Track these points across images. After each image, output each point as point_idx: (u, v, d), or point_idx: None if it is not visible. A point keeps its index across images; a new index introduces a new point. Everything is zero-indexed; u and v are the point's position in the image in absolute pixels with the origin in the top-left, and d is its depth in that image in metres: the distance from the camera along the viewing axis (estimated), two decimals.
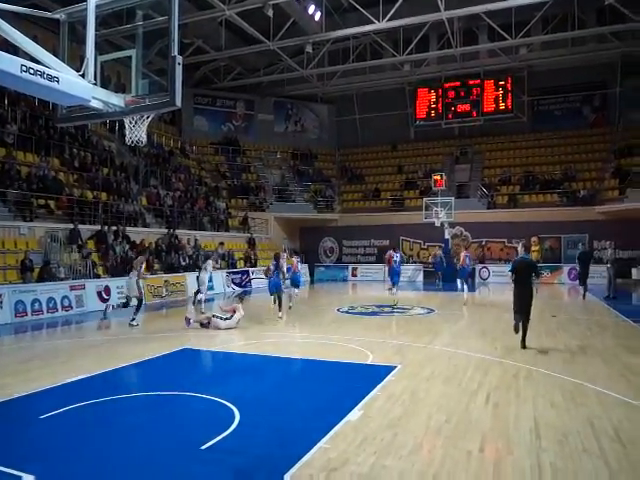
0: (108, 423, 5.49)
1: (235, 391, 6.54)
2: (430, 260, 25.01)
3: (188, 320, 11.62)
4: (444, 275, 23.72)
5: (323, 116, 35.55)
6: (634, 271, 21.92)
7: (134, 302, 12.10)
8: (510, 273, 9.36)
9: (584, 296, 17.48)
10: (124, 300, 12.51)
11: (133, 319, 11.93)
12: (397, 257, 16.84)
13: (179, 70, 5.28)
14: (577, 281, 19.91)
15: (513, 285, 9.34)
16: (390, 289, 17.67)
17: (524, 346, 9.14)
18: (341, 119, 35.06)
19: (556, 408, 5.90)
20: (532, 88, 31.01)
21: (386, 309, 14.92)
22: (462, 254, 17.96)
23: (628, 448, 4.83)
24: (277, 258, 13.10)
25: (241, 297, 16.62)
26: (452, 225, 25.28)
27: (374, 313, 14.18)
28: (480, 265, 25.59)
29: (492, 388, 6.67)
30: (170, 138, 29.59)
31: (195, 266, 20.40)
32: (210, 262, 14.75)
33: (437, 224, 23.99)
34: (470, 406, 5.97)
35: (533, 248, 22.53)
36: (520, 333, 9.35)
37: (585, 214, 24.81)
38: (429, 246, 26.90)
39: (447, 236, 24.79)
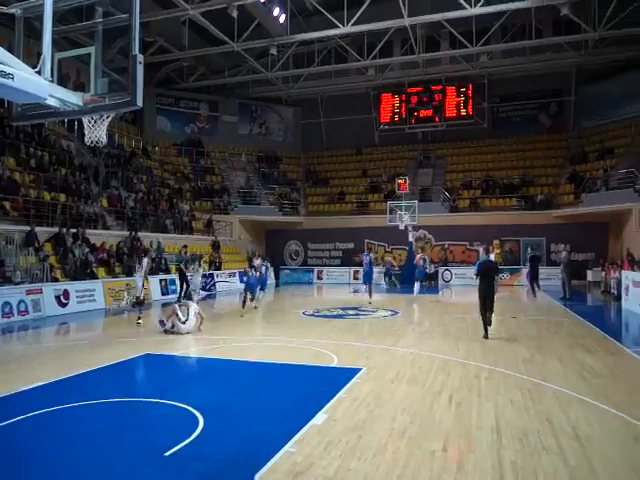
0: (67, 431, 5.30)
1: (198, 396, 6.43)
2: (382, 267, 24.91)
3: (162, 322, 11.49)
4: (406, 277, 24.01)
5: (288, 119, 35.53)
6: (589, 273, 22.69)
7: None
8: (475, 274, 10.74)
9: (534, 294, 18.50)
10: (134, 300, 13.60)
11: (139, 318, 12.83)
12: (367, 259, 17.90)
13: (140, 69, 5.15)
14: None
15: (478, 283, 10.70)
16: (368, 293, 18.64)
17: (487, 336, 10.43)
18: (306, 122, 35.12)
19: (516, 407, 6.03)
20: (492, 95, 31.84)
21: (351, 312, 14.98)
22: (418, 256, 19.98)
23: (585, 445, 4.97)
24: (250, 260, 13.69)
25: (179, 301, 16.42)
26: (416, 228, 25.65)
27: (339, 316, 14.20)
28: (443, 267, 26.05)
29: (455, 389, 6.77)
30: (132, 138, 28.99)
31: (159, 269, 20.05)
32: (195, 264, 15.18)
33: (401, 227, 24.29)
34: (434, 407, 6.04)
35: (496, 251, 23.13)
36: (483, 329, 10.58)
37: (542, 218, 25.60)
38: (393, 249, 27.23)
39: (411, 239, 25.12)
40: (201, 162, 31.86)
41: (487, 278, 10.54)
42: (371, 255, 18.63)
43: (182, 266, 17.10)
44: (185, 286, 17.14)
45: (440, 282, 25.34)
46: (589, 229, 24.20)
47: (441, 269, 25.89)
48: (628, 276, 15.55)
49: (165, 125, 32.17)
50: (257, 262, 16.84)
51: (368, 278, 17.90)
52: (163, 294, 19.08)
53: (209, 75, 30.98)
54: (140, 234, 20.83)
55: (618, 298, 16.61)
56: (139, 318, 12.79)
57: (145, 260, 13.27)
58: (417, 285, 19.08)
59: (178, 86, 31.56)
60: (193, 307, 11.55)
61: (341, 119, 33.61)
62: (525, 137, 31.03)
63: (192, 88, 31.76)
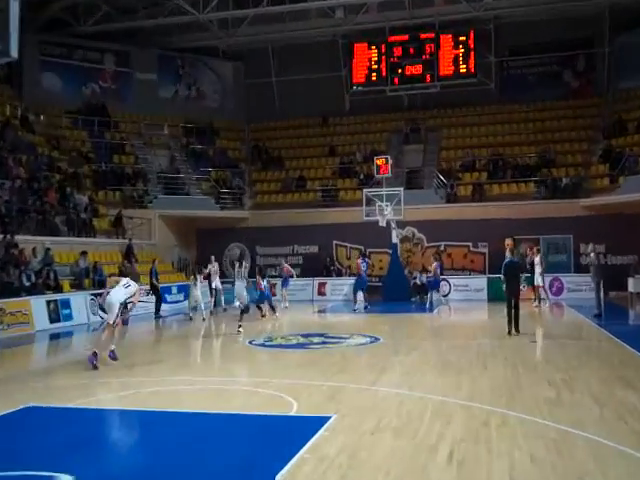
0: None
1: (102, 467, 6.28)
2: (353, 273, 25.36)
3: (95, 355, 11.42)
4: (389, 291, 24.22)
5: (227, 77, 35.36)
6: (630, 281, 22.78)
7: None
8: (503, 274, 14.60)
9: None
10: (242, 307, 16.64)
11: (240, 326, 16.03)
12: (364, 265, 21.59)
13: (15, 7, 5.04)
14: (537, 296, 21.47)
15: (505, 286, 14.68)
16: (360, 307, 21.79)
17: (517, 331, 14.42)
18: (252, 82, 35.04)
19: (538, 464, 6.09)
20: (501, 46, 32.47)
21: (316, 339, 14.98)
22: (434, 264, 22.46)
23: None
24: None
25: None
26: (401, 225, 25.86)
27: (300, 345, 14.18)
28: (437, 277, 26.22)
29: (456, 441, 6.80)
30: (5, 103, 28.28)
31: (46, 286, 19.58)
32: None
33: (382, 224, 24.44)
34: (428, 466, 6.05)
35: (507, 254, 23.42)
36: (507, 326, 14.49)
37: (568, 209, 26.08)
38: (371, 253, 27.37)
39: (395, 239, 25.34)
40: (106, 136, 31.36)
41: (514, 278, 14.71)
42: (368, 261, 22.23)
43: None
44: (159, 302, 21.19)
45: (435, 297, 25.59)
46: (630, 223, 24.64)
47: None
48: None
49: (54, 85, 31.52)
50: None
51: (360, 285, 21.76)
52: (52, 321, 18.64)
53: (116, 16, 30.49)
54: (18, 238, 20.35)
55: None
56: (239, 327, 16.08)
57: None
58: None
59: (72, 30, 30.95)
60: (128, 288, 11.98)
61: (299, 78, 33.66)
62: (544, 102, 31.76)
63: (92, 34, 31.18)
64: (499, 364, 11.20)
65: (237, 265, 17.75)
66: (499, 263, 15.34)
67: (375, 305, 22.99)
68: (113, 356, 11.92)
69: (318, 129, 34.33)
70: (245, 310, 16.87)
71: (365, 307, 21.99)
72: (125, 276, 13.03)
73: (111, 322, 11.79)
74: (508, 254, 15.03)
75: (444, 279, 25.83)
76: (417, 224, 27.18)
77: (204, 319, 19.60)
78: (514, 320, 14.52)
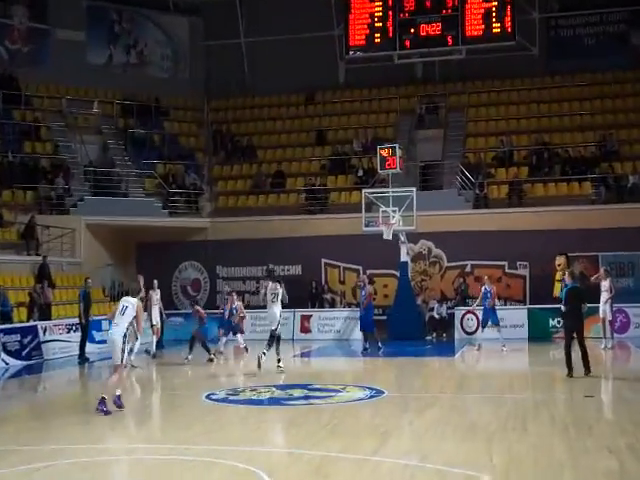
0: None
1: None
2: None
3: (103, 400, 12.59)
4: (396, 326, 24.16)
5: (180, 38, 35.43)
6: None
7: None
8: (563, 305, 15.71)
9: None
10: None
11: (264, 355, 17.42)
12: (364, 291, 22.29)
13: None
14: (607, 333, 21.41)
15: (563, 316, 16.10)
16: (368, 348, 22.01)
17: (589, 370, 15.47)
18: (214, 45, 35.21)
19: None
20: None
21: (296, 392, 14.95)
22: (492, 287, 22.16)
23: None
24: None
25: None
26: (413, 238, 25.86)
27: (275, 401, 14.24)
28: (462, 308, 26.24)
29: None
30: None
31: None
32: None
33: (387, 236, 24.46)
34: None
35: (557, 277, 23.52)
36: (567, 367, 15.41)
37: (636, 216, 26.05)
38: (374, 275, 27.35)
39: (405, 257, 25.33)
40: (14, 116, 31.28)
41: (575, 307, 15.55)
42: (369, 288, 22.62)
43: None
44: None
45: (457, 334, 25.59)
46: None
47: (461, 311, 26.11)
48: None
49: None
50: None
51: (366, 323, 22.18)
52: None
53: None
54: None
55: None
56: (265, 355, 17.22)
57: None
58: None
59: None
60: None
61: (278, 39, 33.80)
62: (605, 73, 32.04)
63: None
64: (544, 425, 11.18)
65: (271, 286, 18.22)
66: (544, 290, 15.58)
67: (373, 345, 22.97)
68: (119, 403, 12.85)
69: (302, 109, 34.37)
70: (273, 340, 17.84)
71: (364, 350, 22.01)
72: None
73: (119, 363, 12.93)
74: (568, 278, 16.16)
75: (469, 311, 25.77)
76: (434, 237, 27.26)
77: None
78: (582, 359, 15.54)
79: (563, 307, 15.82)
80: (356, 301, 25.59)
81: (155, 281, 22.97)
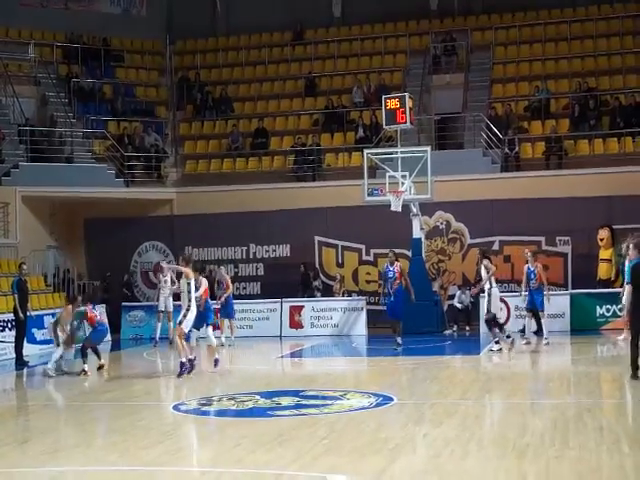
0: None
1: None
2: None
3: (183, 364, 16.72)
4: (406, 316, 24.09)
5: None
6: None
7: None
8: (628, 285, 14.90)
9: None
10: None
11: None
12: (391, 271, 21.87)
13: None
14: None
15: (631, 298, 14.81)
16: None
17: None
18: None
19: None
20: None
21: (286, 400, 14.92)
22: (536, 265, 22.19)
23: None
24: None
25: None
26: (429, 209, 25.85)
27: (260, 411, 14.29)
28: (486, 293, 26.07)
29: None
30: None
31: None
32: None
33: (395, 208, 24.42)
34: None
35: (601, 255, 23.43)
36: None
37: None
38: (378, 256, 27.31)
39: (418, 233, 25.32)
40: None
41: None
42: (397, 267, 21.96)
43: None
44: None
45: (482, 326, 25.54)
46: None
47: (484, 297, 25.95)
48: None
49: None
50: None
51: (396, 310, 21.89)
52: None
53: None
54: None
55: None
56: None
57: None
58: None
59: None
60: None
61: None
62: None
63: None
64: (590, 438, 11.02)
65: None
66: (590, 270, 15.33)
67: (380, 342, 23.00)
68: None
69: (288, 50, 34.32)
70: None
71: (398, 345, 21.99)
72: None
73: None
74: (634, 252, 15.26)
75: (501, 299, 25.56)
76: (454, 207, 27.31)
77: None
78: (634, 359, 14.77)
79: (630, 288, 14.90)
80: (381, 282, 24.96)
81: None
